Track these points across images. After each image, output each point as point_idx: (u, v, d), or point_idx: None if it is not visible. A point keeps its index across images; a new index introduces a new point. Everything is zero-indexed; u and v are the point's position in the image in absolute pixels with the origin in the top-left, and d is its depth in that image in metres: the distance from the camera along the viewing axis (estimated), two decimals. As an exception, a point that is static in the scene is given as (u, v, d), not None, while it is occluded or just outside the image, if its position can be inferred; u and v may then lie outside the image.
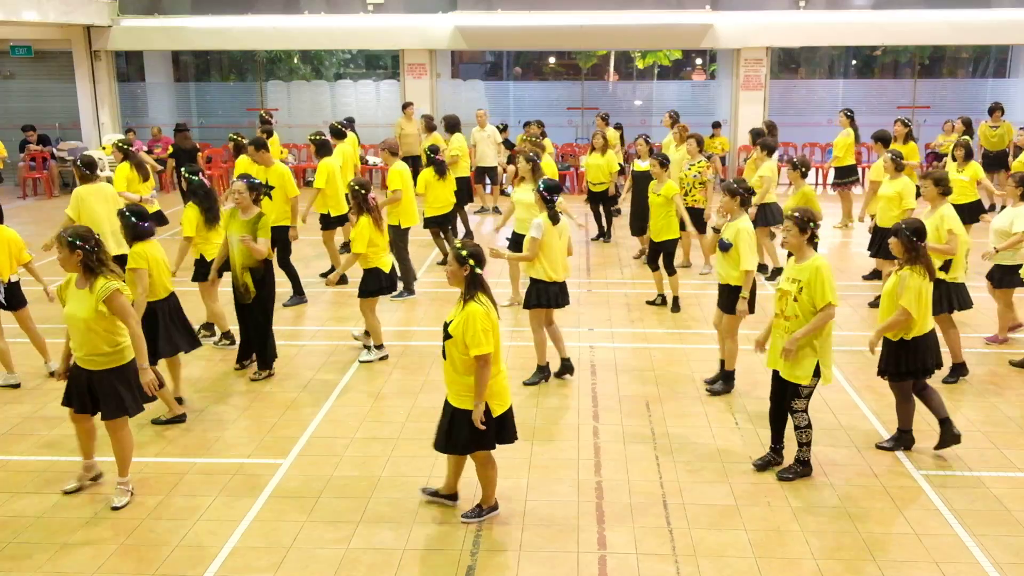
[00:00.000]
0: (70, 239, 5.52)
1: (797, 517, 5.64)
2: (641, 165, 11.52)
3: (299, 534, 5.50)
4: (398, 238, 10.28)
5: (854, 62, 25.12)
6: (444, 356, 5.36)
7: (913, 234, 6.16)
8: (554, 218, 7.67)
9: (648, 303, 10.29)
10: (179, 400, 7.32)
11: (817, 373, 5.94)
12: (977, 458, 6.43)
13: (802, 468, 6.18)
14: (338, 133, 12.25)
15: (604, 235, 13.60)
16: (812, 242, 6.07)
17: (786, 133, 19.10)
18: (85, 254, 5.52)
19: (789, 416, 6.17)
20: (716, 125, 17.56)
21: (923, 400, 6.51)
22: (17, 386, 7.88)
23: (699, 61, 26.42)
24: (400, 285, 10.20)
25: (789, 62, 24.58)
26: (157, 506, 5.84)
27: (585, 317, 9.80)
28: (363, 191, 8.23)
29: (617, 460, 6.43)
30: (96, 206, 9.13)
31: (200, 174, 8.60)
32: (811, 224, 6.04)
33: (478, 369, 5.18)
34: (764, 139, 11.57)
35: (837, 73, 24.99)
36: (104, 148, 19.04)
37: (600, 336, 9.18)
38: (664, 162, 9.98)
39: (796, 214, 6.05)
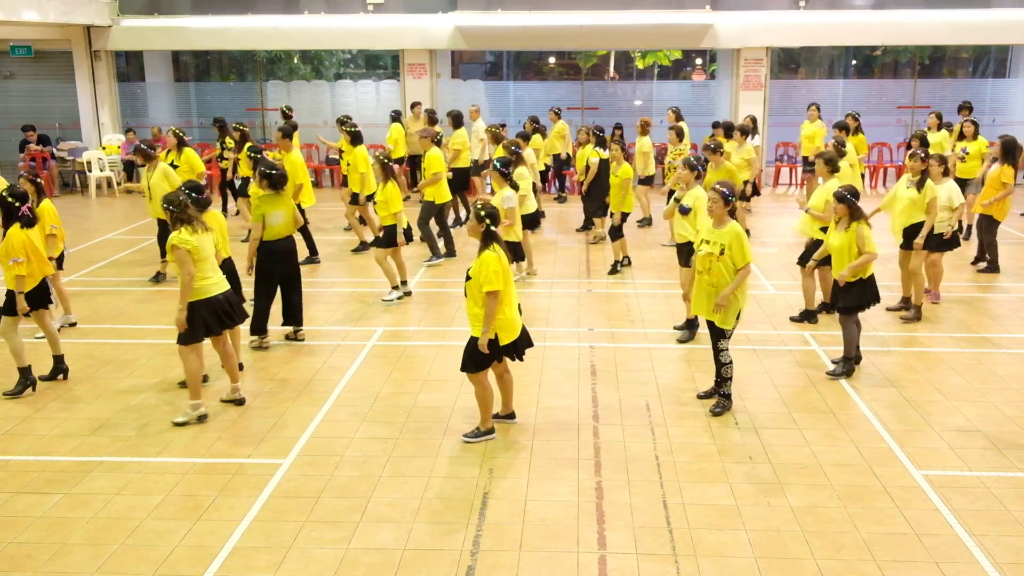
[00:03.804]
0: (163, 204, 7.05)
1: (797, 517, 5.64)
2: (602, 154, 12.80)
3: (299, 534, 5.50)
4: (430, 213, 12.01)
5: (854, 62, 25.14)
6: (466, 295, 6.50)
7: (854, 197, 7.71)
8: (514, 187, 10.06)
9: (609, 272, 11.59)
10: (240, 366, 7.88)
11: (738, 318, 7.08)
12: (977, 458, 6.43)
13: (727, 401, 7.22)
14: (357, 137, 12.45)
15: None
16: (732, 213, 7.09)
17: (786, 133, 19.15)
18: (171, 213, 7.01)
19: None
20: (716, 125, 17.52)
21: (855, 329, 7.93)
22: (74, 324, 9.47)
23: (699, 61, 26.43)
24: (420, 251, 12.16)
25: (789, 62, 24.59)
26: (157, 506, 5.84)
27: (585, 317, 9.80)
28: (388, 162, 10.00)
29: (617, 460, 6.43)
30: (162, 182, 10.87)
31: (261, 153, 10.45)
32: (732, 198, 7.03)
33: (488, 302, 6.31)
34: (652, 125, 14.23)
35: (837, 73, 25.00)
36: (104, 148, 19.08)
37: (600, 336, 9.18)
38: (624, 148, 11.64)
39: (723, 189, 6.95)
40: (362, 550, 5.32)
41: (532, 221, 11.84)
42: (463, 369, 6.66)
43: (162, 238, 11.02)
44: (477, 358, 6.53)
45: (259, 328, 8.74)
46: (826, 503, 5.82)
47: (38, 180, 9.07)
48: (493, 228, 6.46)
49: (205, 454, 6.59)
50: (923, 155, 9.40)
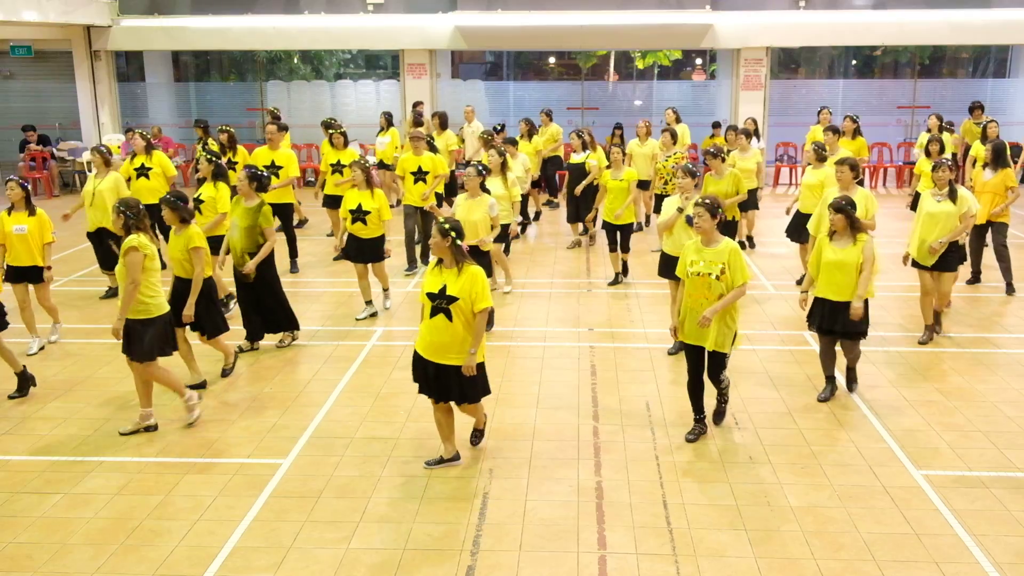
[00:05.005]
0: (118, 208, 6.67)
1: (797, 517, 5.65)
2: (576, 158, 12.91)
3: (299, 534, 5.50)
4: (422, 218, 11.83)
5: (854, 62, 25.14)
6: (450, 318, 5.88)
7: (853, 208, 7.06)
8: (486, 191, 9.41)
9: (610, 284, 11.09)
10: (225, 371, 8.17)
11: (733, 341, 6.59)
12: (977, 458, 6.43)
13: (725, 407, 6.98)
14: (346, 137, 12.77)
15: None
16: (725, 227, 6.85)
17: (786, 133, 19.16)
18: (127, 219, 6.64)
19: (710, 385, 6.78)
20: (716, 125, 17.52)
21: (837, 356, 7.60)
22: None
23: (699, 61, 26.42)
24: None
25: (789, 62, 24.59)
26: (157, 506, 5.84)
27: (585, 317, 9.80)
28: (369, 167, 9.55)
29: (617, 460, 6.43)
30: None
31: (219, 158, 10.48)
32: (720, 210, 6.50)
33: (480, 321, 5.93)
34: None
35: (837, 73, 25.00)
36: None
37: (600, 336, 9.18)
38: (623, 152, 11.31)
39: (707, 201, 6.40)
40: (362, 550, 5.32)
41: (501, 236, 10.50)
42: (476, 400, 6.24)
43: (100, 249, 10.40)
44: (481, 380, 6.14)
45: (295, 325, 8.90)
46: (826, 503, 5.82)
47: (27, 186, 8.56)
48: (460, 243, 5.98)
49: (205, 454, 6.59)
50: (950, 164, 8.77)
